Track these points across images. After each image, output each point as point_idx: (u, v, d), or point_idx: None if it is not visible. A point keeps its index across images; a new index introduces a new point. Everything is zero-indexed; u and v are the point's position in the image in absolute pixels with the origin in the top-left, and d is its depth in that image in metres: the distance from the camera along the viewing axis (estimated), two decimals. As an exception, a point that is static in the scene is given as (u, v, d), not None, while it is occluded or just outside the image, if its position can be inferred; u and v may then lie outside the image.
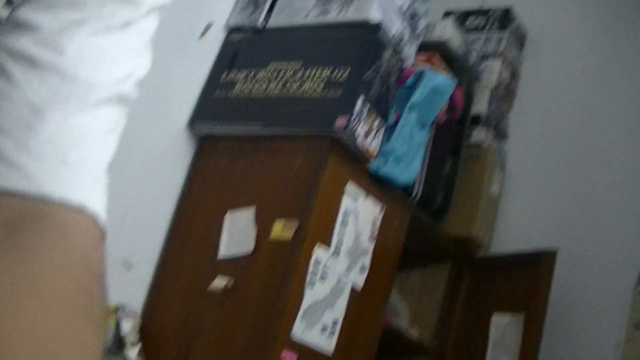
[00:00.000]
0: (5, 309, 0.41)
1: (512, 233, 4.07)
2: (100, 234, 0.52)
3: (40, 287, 0.44)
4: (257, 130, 3.13)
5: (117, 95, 0.55)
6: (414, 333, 3.82)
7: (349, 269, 2.99)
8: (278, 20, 3.45)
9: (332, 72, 3.08)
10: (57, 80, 0.51)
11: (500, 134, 4.27)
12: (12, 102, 0.50)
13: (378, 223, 3.14)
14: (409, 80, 3.34)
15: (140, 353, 2.93)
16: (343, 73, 3.05)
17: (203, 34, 3.34)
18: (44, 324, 0.42)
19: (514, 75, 4.51)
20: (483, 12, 4.66)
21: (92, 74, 0.53)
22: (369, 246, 3.10)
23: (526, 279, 3.62)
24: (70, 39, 0.53)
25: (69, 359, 0.42)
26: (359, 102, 2.97)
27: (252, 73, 3.27)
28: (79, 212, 0.50)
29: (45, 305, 0.43)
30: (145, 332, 2.98)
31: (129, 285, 2.96)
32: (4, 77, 0.51)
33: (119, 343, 2.83)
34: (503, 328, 3.65)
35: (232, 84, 3.29)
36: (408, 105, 3.27)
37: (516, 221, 4.12)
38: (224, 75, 3.34)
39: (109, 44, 0.54)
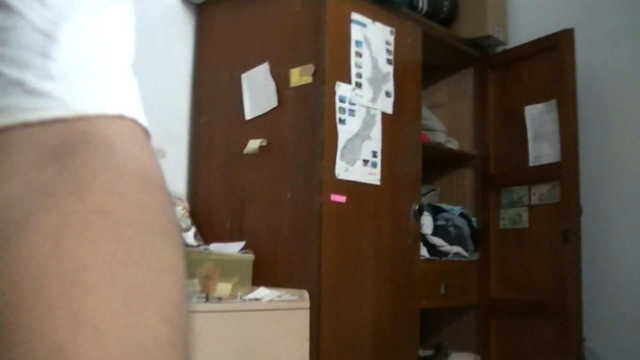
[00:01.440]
0: (84, 249, 0.41)
1: (525, 22, 4.02)
2: (146, 135, 0.52)
3: (112, 219, 0.44)
4: (251, -18, 3.07)
5: None
6: (453, 144, 3.86)
7: (374, 98, 3.00)
8: None
9: None
10: None
11: None
12: (21, 32, 0.49)
13: (392, 45, 3.12)
14: None
15: (196, 235, 3.00)
16: None
17: None
18: (126, 255, 0.42)
19: None
20: None
21: None
22: (389, 70, 3.09)
23: (550, 64, 3.61)
24: None
25: (157, 284, 0.43)
26: None
27: None
28: (120, 121, 0.50)
29: (122, 235, 0.43)
30: (195, 213, 3.04)
31: (167, 172, 2.98)
32: (4, 10, 0.49)
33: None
34: (538, 118, 3.67)
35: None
36: None
37: (526, 9, 4.06)
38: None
39: None
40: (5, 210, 0.44)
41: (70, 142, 0.47)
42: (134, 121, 0.51)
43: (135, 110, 0.52)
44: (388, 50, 3.10)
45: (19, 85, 0.48)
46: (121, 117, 0.50)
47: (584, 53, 3.66)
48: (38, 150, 0.46)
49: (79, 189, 0.44)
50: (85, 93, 0.49)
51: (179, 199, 2.99)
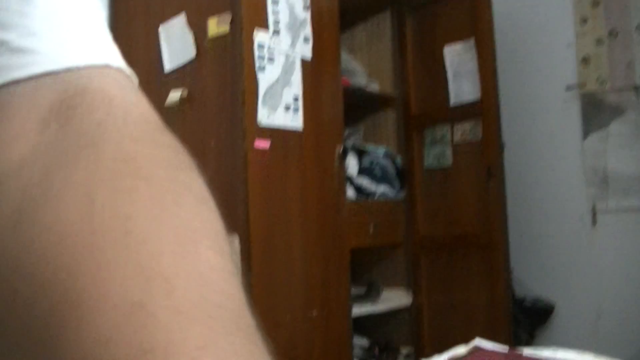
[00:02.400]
0: (122, 200, 0.41)
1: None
2: (132, 81, 0.52)
3: (136, 163, 0.44)
4: None
5: None
6: (374, 87, 3.93)
7: (293, 44, 3.04)
8: None
9: None
10: None
11: None
12: None
13: (308, -10, 3.17)
14: None
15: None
16: None
17: None
18: (163, 196, 0.42)
19: None
20: None
21: None
22: (306, 16, 3.13)
23: (467, 4, 3.70)
24: None
25: (200, 217, 0.43)
26: None
27: None
28: (107, 70, 0.50)
29: (152, 177, 0.43)
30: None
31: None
32: None
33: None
34: (457, 57, 3.76)
35: None
36: None
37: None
38: None
39: None
40: (19, 174, 0.44)
41: (64, 96, 0.47)
42: (120, 70, 0.51)
43: (118, 60, 0.52)
44: (305, -4, 3.15)
45: (2, 45, 0.48)
46: (108, 67, 0.50)
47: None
48: (34, 110, 0.46)
49: (91, 141, 0.44)
50: (69, 46, 0.49)
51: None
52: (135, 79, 0.52)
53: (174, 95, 2.94)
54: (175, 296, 0.38)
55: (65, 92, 0.47)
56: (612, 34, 3.83)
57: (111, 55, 0.51)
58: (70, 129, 0.45)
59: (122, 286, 0.38)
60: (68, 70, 0.48)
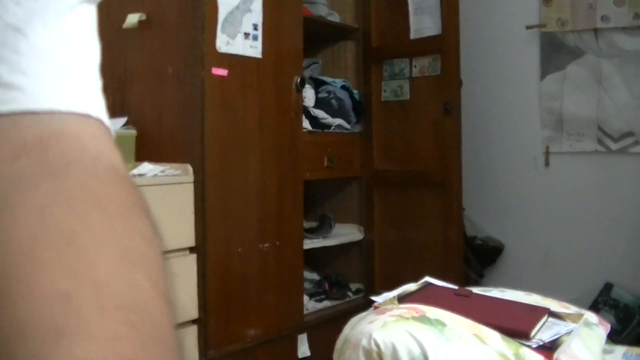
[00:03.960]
0: (73, 220, 0.45)
1: None
2: (110, 134, 0.56)
3: (94, 196, 0.48)
4: None
5: None
6: (335, 17, 4.01)
7: (255, -32, 3.09)
8: None
9: None
10: None
11: None
12: None
13: None
14: None
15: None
16: None
17: None
18: (112, 226, 0.47)
19: None
20: None
21: None
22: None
23: None
24: None
25: (143, 252, 0.47)
26: None
27: None
28: (86, 120, 0.53)
29: (106, 210, 0.47)
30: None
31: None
32: None
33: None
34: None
35: None
36: None
37: None
38: None
39: None
40: None
41: (41, 136, 0.49)
42: (99, 120, 0.55)
43: (100, 111, 0.55)
44: None
45: None
46: (88, 117, 0.54)
47: None
48: (8, 144, 0.49)
49: (57, 174, 0.47)
50: (55, 90, 0.52)
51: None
52: (112, 131, 0.57)
53: (133, 18, 2.97)
54: (103, 296, 0.42)
55: (42, 132, 0.50)
56: (575, -26, 3.94)
57: (93, 105, 0.56)
58: (39, 164, 0.48)
59: (51, 282, 0.41)
60: (49, 113, 0.51)
